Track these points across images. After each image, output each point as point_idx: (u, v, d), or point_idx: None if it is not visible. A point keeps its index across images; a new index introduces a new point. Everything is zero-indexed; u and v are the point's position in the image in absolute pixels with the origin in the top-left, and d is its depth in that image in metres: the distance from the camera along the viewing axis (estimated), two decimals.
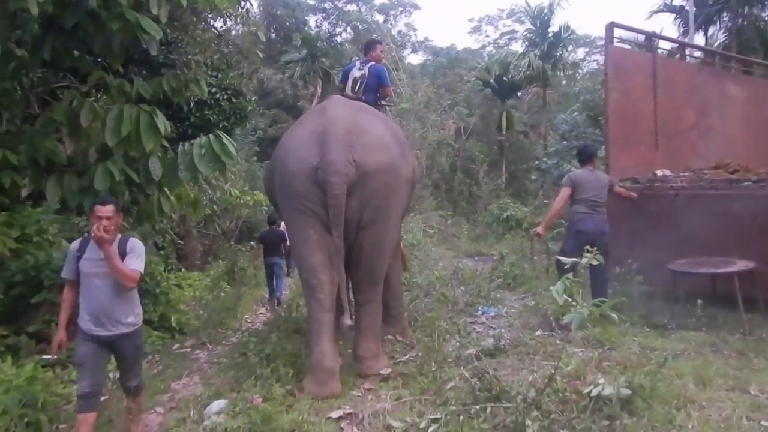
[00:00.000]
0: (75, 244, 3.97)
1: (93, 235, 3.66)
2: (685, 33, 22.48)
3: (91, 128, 5.50)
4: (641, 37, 9.43)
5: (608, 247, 6.40)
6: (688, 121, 9.14)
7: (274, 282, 10.07)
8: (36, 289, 5.83)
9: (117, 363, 4.10)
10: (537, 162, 23.57)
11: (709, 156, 8.87)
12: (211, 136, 5.60)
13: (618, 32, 8.67)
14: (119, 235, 3.95)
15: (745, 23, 23.65)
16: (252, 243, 14.45)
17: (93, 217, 3.82)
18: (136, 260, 3.88)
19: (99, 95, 6.40)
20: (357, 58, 6.99)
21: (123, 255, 3.83)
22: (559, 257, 6.23)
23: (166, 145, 5.90)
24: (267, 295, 10.39)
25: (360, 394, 4.72)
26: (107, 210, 3.80)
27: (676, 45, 12.19)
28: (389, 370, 5.12)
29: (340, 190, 4.72)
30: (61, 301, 4.02)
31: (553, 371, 4.05)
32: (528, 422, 3.48)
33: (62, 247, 6.49)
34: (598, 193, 6.70)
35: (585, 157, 7.10)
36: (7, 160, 5.16)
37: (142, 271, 3.95)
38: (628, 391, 3.72)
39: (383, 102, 6.76)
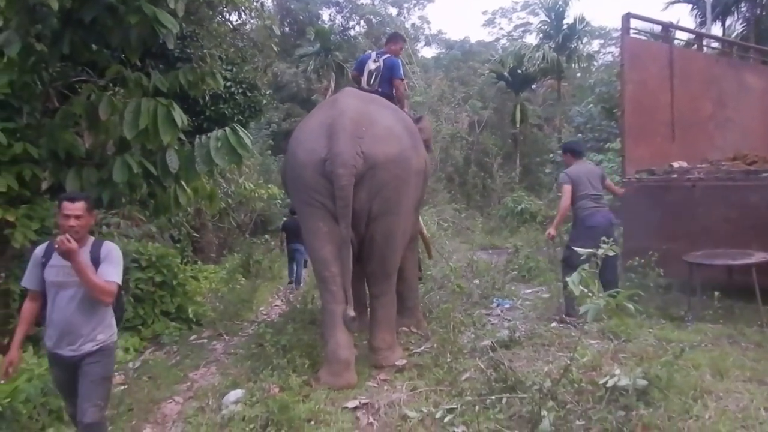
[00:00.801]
0: (40, 249, 3.43)
1: (57, 246, 3.07)
2: (702, 24, 22.20)
3: (110, 121, 5.55)
4: (658, 28, 9.35)
5: (616, 237, 6.35)
6: (705, 112, 9.07)
7: (295, 267, 11.21)
8: None
9: (78, 388, 3.36)
10: (551, 155, 23.46)
11: (727, 147, 8.80)
12: (227, 128, 5.63)
13: (634, 23, 8.61)
14: (91, 239, 3.41)
15: (764, 13, 23.32)
16: (266, 236, 14.69)
17: (60, 216, 3.28)
18: (113, 269, 3.32)
19: (117, 89, 6.45)
20: (371, 51, 6.94)
21: (96, 262, 3.29)
22: (566, 256, 6.38)
23: (183, 138, 5.94)
24: (288, 278, 11.57)
25: (376, 385, 4.76)
26: (77, 208, 3.26)
27: (692, 36, 12.08)
28: (404, 361, 5.16)
29: (347, 181, 4.74)
30: (20, 314, 3.47)
31: (568, 362, 4.06)
32: (543, 412, 3.49)
33: None
34: (596, 186, 6.65)
35: (578, 152, 7.08)
36: (28, 153, 5.22)
37: (120, 282, 3.35)
38: (644, 382, 3.73)
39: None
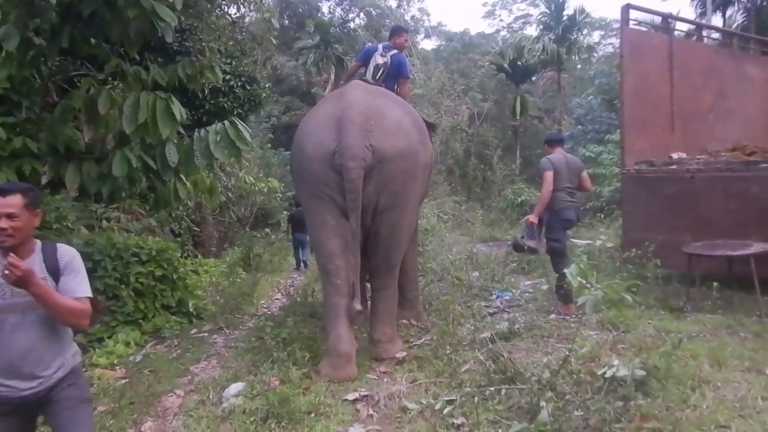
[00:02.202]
0: None
1: (5, 273, 2.33)
2: (703, 14, 22.16)
3: (109, 115, 5.57)
4: (658, 19, 9.33)
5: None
6: (706, 104, 9.06)
7: (300, 252, 12.33)
8: None
9: None
10: None
11: (727, 138, 8.80)
12: (226, 122, 5.64)
13: (634, 14, 8.60)
14: (38, 243, 2.63)
15: (765, 3, 23.26)
16: (267, 230, 14.76)
17: None
18: (79, 281, 2.62)
19: (116, 83, 6.46)
20: (378, 43, 6.88)
21: (55, 273, 2.57)
22: (553, 248, 6.48)
23: (182, 131, 5.95)
24: (295, 266, 12.74)
25: (376, 377, 4.77)
26: (10, 204, 2.47)
27: (693, 27, 12.05)
28: (404, 353, 5.17)
29: (356, 174, 4.73)
30: None
31: (567, 353, 4.08)
32: (542, 403, 3.50)
33: (81, 234, 6.61)
34: (572, 180, 6.61)
35: (560, 140, 7.06)
36: (27, 147, 5.24)
37: (91, 294, 2.66)
38: (642, 372, 3.74)
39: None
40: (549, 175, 6.42)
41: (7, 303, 2.47)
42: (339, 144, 4.80)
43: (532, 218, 6.53)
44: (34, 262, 2.51)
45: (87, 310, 2.58)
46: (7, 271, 2.30)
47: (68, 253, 2.63)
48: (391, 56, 6.33)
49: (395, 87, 6.35)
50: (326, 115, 5.13)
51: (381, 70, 6.30)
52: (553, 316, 6.21)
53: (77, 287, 2.59)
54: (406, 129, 5.16)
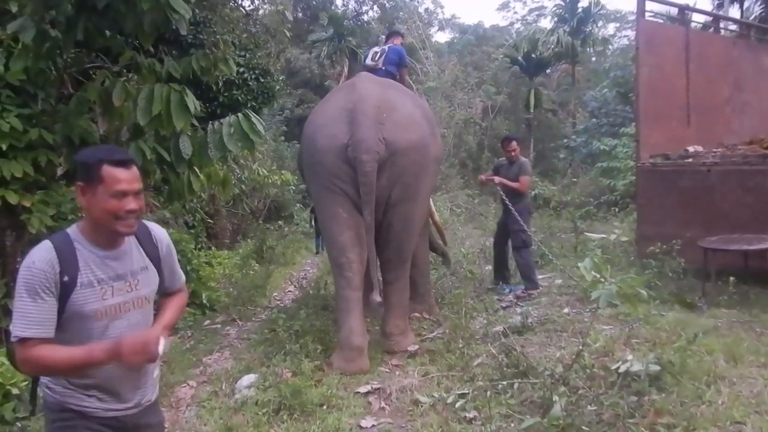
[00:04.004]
0: (48, 256, 1.84)
1: (137, 350, 1.81)
2: (720, 6, 21.86)
3: (124, 107, 5.57)
4: (674, 11, 9.22)
5: None
6: (722, 96, 8.96)
7: (322, 239, 12.81)
8: None
9: None
10: (565, 140, 23.31)
11: (744, 131, 8.70)
12: (239, 114, 5.63)
13: (650, 5, 8.51)
14: None
15: None
16: (280, 222, 14.84)
17: (104, 195, 1.86)
18: (178, 267, 2.28)
19: (131, 75, 6.47)
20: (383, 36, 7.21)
21: (155, 259, 2.11)
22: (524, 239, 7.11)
23: (196, 124, 5.96)
24: (315, 250, 14.75)
25: (388, 370, 4.78)
26: (135, 177, 1.93)
27: (710, 18, 11.90)
28: (417, 346, 5.18)
29: (371, 167, 4.72)
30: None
31: (580, 348, 4.05)
32: (555, 398, 3.49)
33: None
34: None
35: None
36: (43, 138, 5.26)
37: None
38: (656, 367, 3.72)
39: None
40: (530, 179, 7.38)
41: (118, 302, 1.96)
42: (352, 137, 4.79)
43: (495, 181, 7.19)
44: (131, 249, 2.03)
45: (186, 299, 2.36)
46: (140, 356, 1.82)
47: (164, 236, 2.19)
48: (388, 46, 6.59)
49: (396, 70, 6.51)
50: (338, 107, 5.12)
51: (379, 54, 6.50)
52: (566, 309, 6.18)
53: (180, 274, 2.29)
54: (417, 121, 5.16)
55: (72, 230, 1.96)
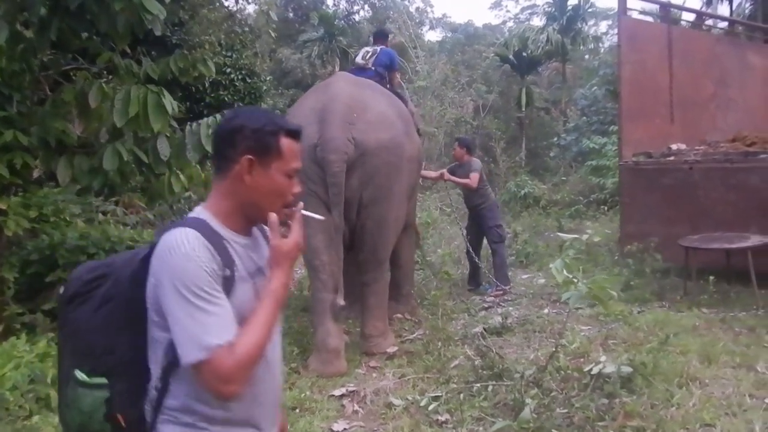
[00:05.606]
0: (203, 244, 1.40)
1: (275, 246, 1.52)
2: (709, 3, 21.91)
3: (102, 109, 5.54)
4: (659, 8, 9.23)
5: None
6: (706, 93, 8.95)
7: None
8: (51, 268, 5.93)
9: None
10: (556, 138, 23.33)
11: (728, 128, 8.70)
12: (218, 115, 5.61)
13: (633, 3, 8.55)
14: None
15: None
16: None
17: (279, 169, 1.53)
18: None
19: (110, 76, 6.43)
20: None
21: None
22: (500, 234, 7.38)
23: (175, 125, 5.92)
24: None
25: (364, 372, 4.76)
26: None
27: (696, 16, 11.93)
28: (396, 348, 5.15)
29: (338, 168, 4.68)
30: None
31: (554, 349, 4.04)
32: (527, 400, 3.47)
33: (79, 228, 6.61)
34: None
35: (473, 148, 7.87)
36: (19, 141, 5.21)
37: None
38: (629, 369, 3.72)
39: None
40: (478, 176, 7.32)
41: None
42: (321, 137, 4.75)
43: (446, 177, 7.57)
44: (260, 237, 1.65)
45: None
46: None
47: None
48: (380, 48, 6.46)
49: (386, 71, 6.41)
50: (309, 107, 5.10)
51: (370, 54, 6.39)
52: (546, 310, 6.16)
53: None
54: (390, 121, 5.12)
55: (204, 214, 1.52)
